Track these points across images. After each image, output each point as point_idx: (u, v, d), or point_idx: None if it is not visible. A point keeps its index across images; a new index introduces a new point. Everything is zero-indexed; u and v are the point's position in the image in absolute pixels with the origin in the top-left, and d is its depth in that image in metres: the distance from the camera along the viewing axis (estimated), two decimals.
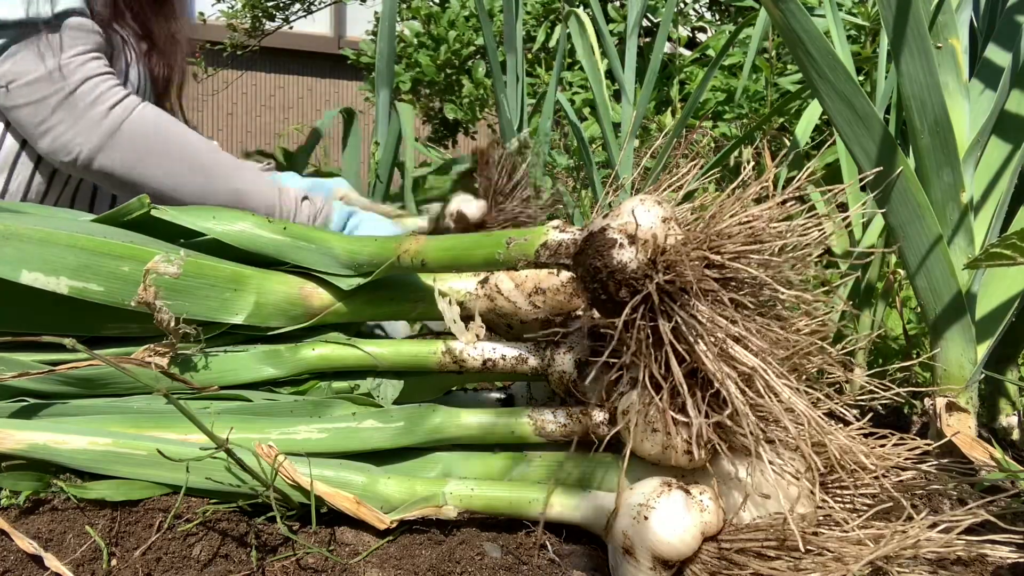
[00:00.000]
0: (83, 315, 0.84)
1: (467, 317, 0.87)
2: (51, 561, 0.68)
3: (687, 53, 3.32)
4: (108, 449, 0.76)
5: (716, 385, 0.66)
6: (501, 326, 0.91)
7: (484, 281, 0.89)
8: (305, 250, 0.88)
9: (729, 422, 0.68)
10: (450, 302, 0.85)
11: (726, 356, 0.67)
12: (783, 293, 0.69)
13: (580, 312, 0.88)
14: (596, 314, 0.82)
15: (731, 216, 0.69)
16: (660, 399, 0.68)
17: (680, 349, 0.67)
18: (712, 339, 0.66)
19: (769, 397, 0.67)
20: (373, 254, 0.86)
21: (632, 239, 0.68)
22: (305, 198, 1.27)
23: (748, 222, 0.69)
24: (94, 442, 0.76)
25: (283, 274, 0.89)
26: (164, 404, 0.83)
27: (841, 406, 0.75)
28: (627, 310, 0.67)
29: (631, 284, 0.68)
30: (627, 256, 0.68)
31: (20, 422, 0.79)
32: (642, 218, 0.68)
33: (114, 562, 0.70)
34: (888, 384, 0.79)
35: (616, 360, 0.75)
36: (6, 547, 0.70)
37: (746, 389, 0.66)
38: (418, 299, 0.91)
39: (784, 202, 0.70)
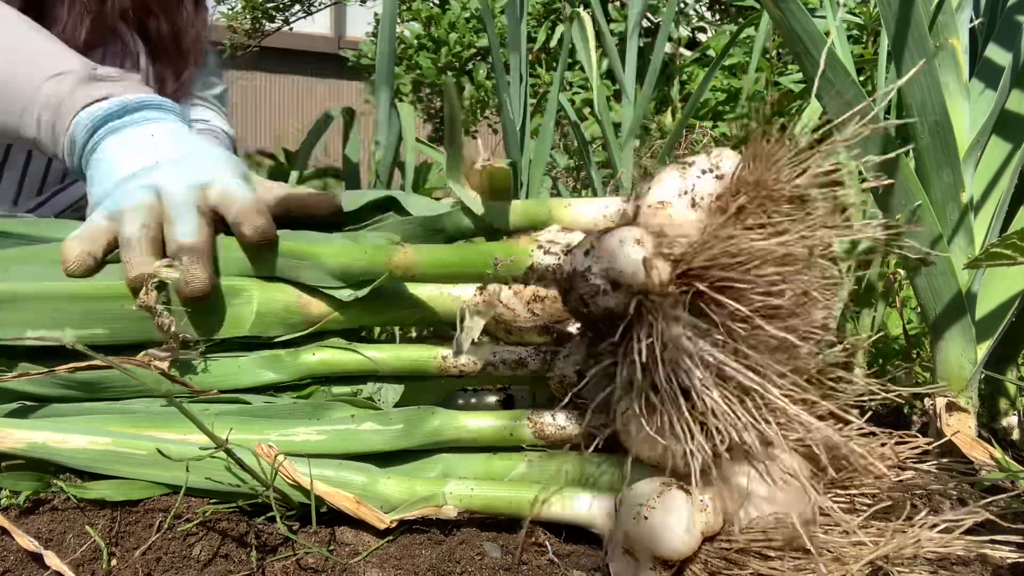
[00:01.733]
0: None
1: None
2: (52, 560, 0.68)
3: (687, 53, 3.32)
4: (108, 448, 0.76)
5: (710, 418, 0.66)
6: (500, 332, 0.91)
7: (483, 288, 0.89)
8: (298, 268, 0.88)
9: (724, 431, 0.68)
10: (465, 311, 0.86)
11: (720, 379, 0.66)
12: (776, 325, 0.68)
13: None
14: None
15: (722, 241, 0.68)
16: (654, 419, 0.68)
17: (670, 374, 0.66)
18: (700, 365, 0.65)
19: (763, 414, 0.67)
20: (365, 267, 0.86)
21: (615, 285, 0.67)
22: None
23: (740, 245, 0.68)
24: (94, 441, 0.76)
25: (282, 283, 0.89)
26: (164, 406, 0.83)
27: (841, 406, 0.75)
28: (617, 339, 0.67)
29: (616, 323, 0.68)
30: (612, 302, 0.67)
31: (19, 421, 0.79)
32: (623, 264, 0.67)
33: (114, 562, 0.70)
34: (888, 386, 0.78)
35: (614, 370, 0.74)
36: (6, 547, 0.70)
37: (742, 410, 0.66)
38: (415, 304, 0.91)
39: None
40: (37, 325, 0.81)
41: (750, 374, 0.66)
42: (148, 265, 0.79)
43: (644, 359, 0.65)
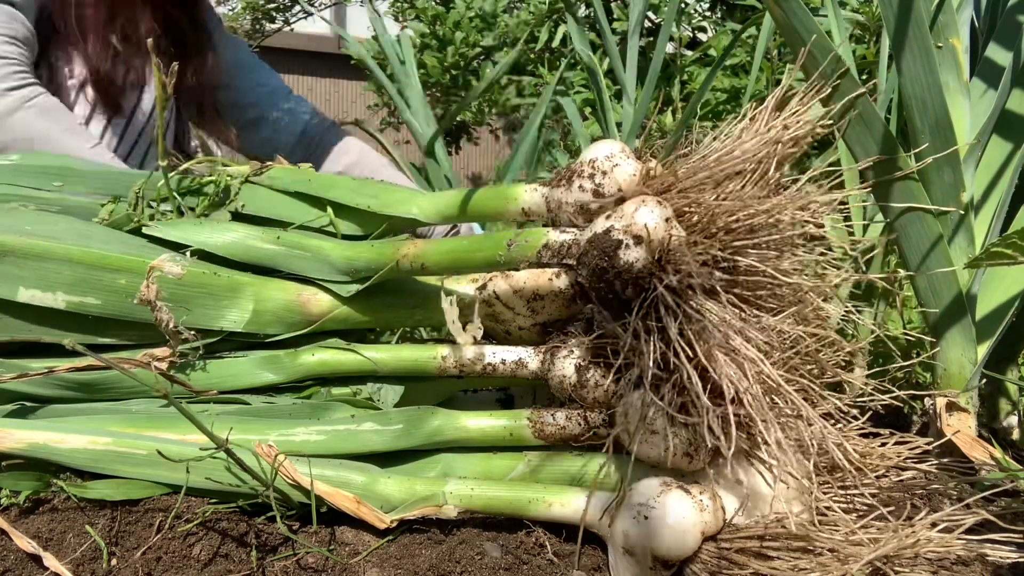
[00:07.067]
0: (81, 323, 0.84)
1: (467, 322, 0.87)
2: (50, 561, 0.68)
3: (688, 53, 3.32)
4: (108, 448, 0.76)
5: (723, 383, 0.66)
6: (499, 332, 0.91)
7: (482, 287, 0.89)
8: (300, 258, 0.88)
9: (720, 426, 0.68)
10: (452, 303, 0.85)
11: (732, 351, 0.67)
12: (788, 280, 0.70)
13: (579, 317, 0.88)
14: (596, 318, 0.82)
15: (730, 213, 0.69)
16: (661, 397, 0.68)
17: (685, 346, 0.67)
18: (719, 333, 0.67)
19: (777, 399, 0.67)
20: (371, 260, 0.86)
21: (638, 240, 0.68)
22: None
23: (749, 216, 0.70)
24: (94, 441, 0.76)
25: (281, 280, 0.89)
26: (163, 407, 0.83)
27: (843, 405, 0.75)
28: (636, 307, 0.69)
29: (637, 283, 0.69)
30: (633, 256, 0.68)
31: (20, 421, 0.79)
32: (646, 219, 0.68)
33: (114, 562, 0.70)
34: (888, 386, 0.78)
35: (616, 362, 0.75)
36: (6, 547, 0.70)
37: (754, 391, 0.67)
38: (415, 304, 0.91)
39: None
40: (31, 283, 0.82)
41: (762, 357, 0.67)
42: None
43: (664, 326, 0.67)
